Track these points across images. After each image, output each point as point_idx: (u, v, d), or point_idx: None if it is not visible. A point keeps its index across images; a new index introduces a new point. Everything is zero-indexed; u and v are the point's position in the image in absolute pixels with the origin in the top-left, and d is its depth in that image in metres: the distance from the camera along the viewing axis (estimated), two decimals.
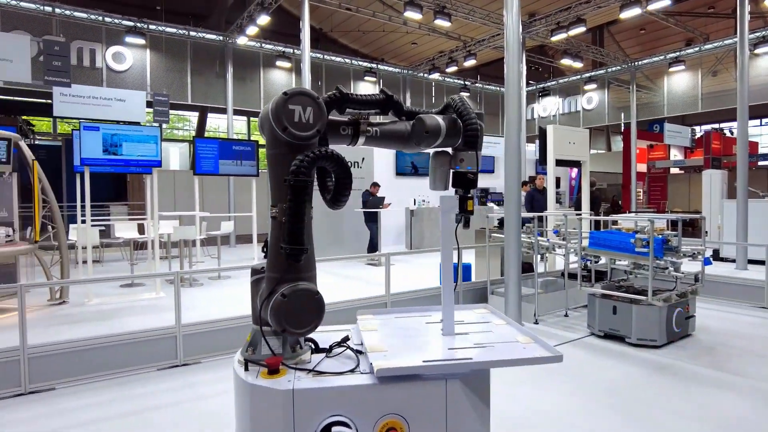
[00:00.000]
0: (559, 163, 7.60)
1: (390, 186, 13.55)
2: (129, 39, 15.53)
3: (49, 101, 10.60)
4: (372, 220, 10.79)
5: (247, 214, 10.21)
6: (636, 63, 20.91)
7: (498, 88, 25.53)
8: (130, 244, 8.72)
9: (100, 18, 15.57)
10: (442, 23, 16.03)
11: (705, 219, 7.27)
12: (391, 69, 22.74)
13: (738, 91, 9.88)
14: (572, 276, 6.17)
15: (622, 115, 22.16)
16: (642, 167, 21.01)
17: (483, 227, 7.21)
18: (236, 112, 18.40)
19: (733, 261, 9.51)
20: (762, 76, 17.56)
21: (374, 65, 21.84)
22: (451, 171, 1.72)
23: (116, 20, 15.78)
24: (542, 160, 7.75)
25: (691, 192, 21.41)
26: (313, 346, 1.64)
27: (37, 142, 15.32)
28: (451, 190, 1.86)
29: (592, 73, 23.02)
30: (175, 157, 19.77)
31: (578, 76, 23.78)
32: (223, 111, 17.98)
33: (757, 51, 16.38)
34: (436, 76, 22.76)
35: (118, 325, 5.47)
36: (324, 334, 1.79)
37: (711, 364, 4.37)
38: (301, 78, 10.85)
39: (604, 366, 4.36)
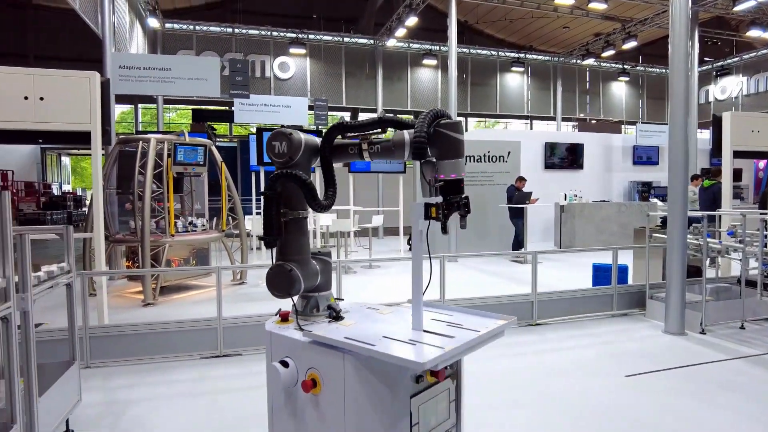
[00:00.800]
0: (740, 154, 6.69)
1: (538, 180, 13.11)
2: (292, 50, 17.19)
3: (228, 108, 12.37)
4: (517, 216, 10.56)
5: (394, 208, 10.75)
6: None
7: (663, 70, 22.88)
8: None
9: (269, 33, 17.47)
10: (596, 6, 14.92)
11: None
12: (540, 57, 21.80)
13: None
14: (751, 284, 5.43)
15: None
16: None
17: (642, 226, 6.68)
18: (385, 111, 19.26)
19: None
20: None
21: (522, 55, 21.13)
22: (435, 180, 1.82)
23: (281, 33, 17.56)
24: (716, 151, 6.89)
25: None
26: (331, 313, 1.98)
27: (217, 144, 17.86)
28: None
29: None
30: None
31: None
32: (374, 111, 18.93)
33: None
34: (590, 61, 21.19)
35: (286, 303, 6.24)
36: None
37: None
38: (447, 74, 11.04)
39: None
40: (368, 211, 12.33)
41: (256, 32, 17.73)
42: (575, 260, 9.69)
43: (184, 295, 7.04)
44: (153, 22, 16.04)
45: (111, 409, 3.47)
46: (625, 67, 22.63)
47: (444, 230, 1.86)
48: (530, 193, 10.32)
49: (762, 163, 15.78)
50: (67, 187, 24.89)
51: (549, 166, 14.14)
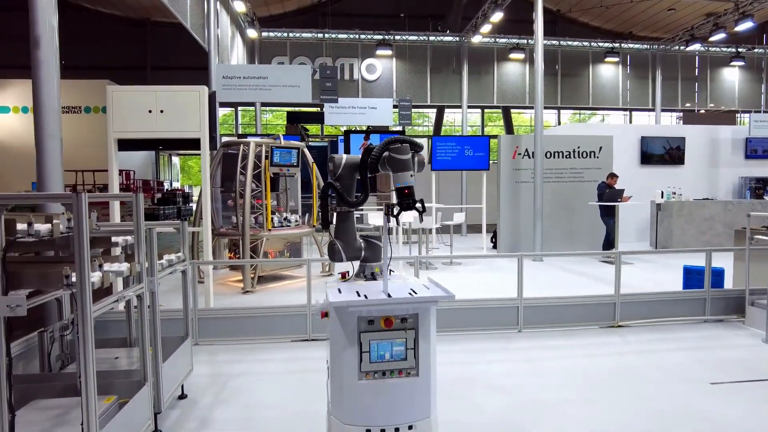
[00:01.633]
0: None
1: (634, 176, 12.46)
2: (379, 51, 17.66)
3: (319, 110, 13.09)
4: (608, 214, 10.14)
5: (477, 205, 10.79)
6: None
7: None
8: (380, 230, 10.23)
9: (356, 36, 18.09)
10: None
11: None
12: (637, 46, 20.49)
13: None
14: None
15: None
16: None
17: (744, 227, 6.21)
18: (470, 107, 19.17)
19: None
20: None
21: (617, 44, 19.98)
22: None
23: (369, 35, 18.11)
24: None
25: None
26: (368, 277, 2.72)
27: (309, 144, 18.84)
28: None
29: None
30: None
31: None
32: (458, 107, 18.92)
33: None
34: (696, 46, 19.52)
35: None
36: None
37: None
38: (534, 68, 10.84)
39: None
40: (451, 208, 12.45)
41: (344, 36, 18.46)
42: (669, 262, 9.15)
43: (278, 285, 7.69)
44: (251, 33, 17.30)
45: (216, 380, 4.01)
46: (740, 50, 20.56)
47: (397, 222, 2.48)
48: (622, 190, 9.86)
49: None
50: (176, 185, 27.45)
51: (645, 161, 13.34)
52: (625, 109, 21.74)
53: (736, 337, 5.03)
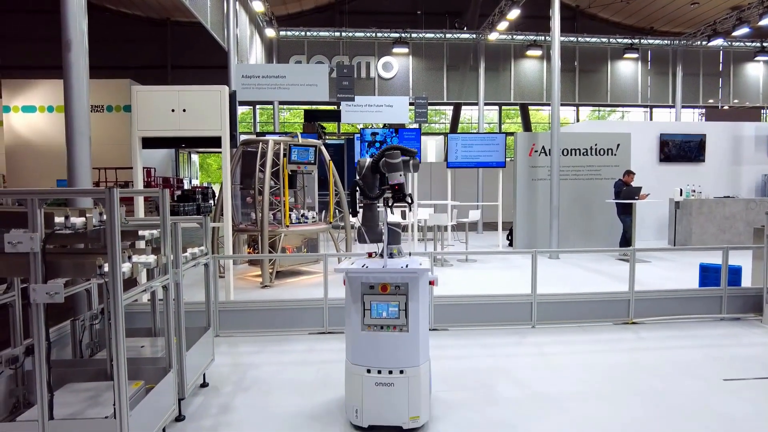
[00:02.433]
0: None
1: (652, 173, 12.34)
2: (395, 50, 17.72)
3: (336, 108, 13.20)
4: (625, 212, 10.07)
5: (493, 203, 10.81)
6: None
7: None
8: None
9: (373, 34, 18.17)
10: None
11: None
12: (657, 42, 20.20)
13: None
14: None
15: None
16: None
17: (763, 225, 6.15)
18: (487, 104, 19.12)
19: None
20: None
21: (636, 41, 19.73)
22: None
23: (385, 34, 18.18)
24: None
25: None
26: (383, 255, 3.26)
27: (326, 142, 19.01)
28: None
29: None
30: (432, 149, 21.68)
31: None
32: (475, 104, 18.89)
33: None
34: (719, 41, 19.17)
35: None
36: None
37: None
38: (551, 65, 10.80)
39: None
40: (466, 205, 12.49)
41: (361, 34, 18.56)
42: (687, 260, 9.06)
43: (296, 280, 7.84)
44: (269, 32, 17.51)
45: (236, 369, 4.16)
46: (765, 44, 20.12)
47: (391, 211, 3.22)
48: (640, 188, 9.79)
49: None
50: (195, 182, 27.89)
51: (665, 159, 13.18)
52: (645, 106, 21.45)
53: (752, 335, 5.01)
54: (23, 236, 2.24)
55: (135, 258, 2.72)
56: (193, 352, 3.51)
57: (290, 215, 7.72)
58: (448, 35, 18.93)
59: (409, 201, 3.14)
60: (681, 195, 11.65)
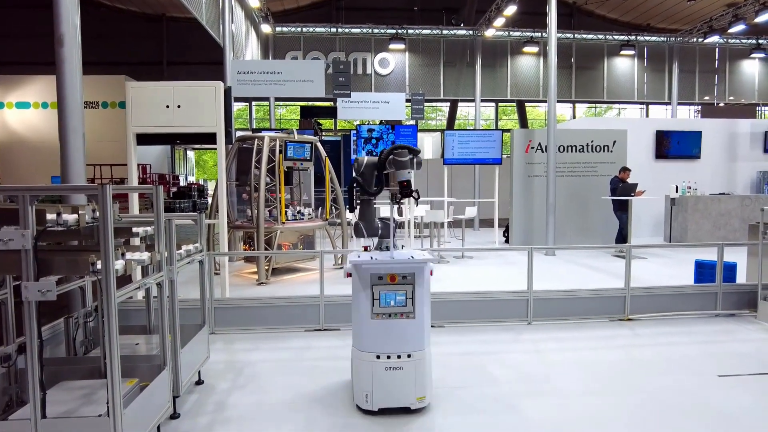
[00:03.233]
0: None
1: (649, 170, 12.34)
2: (392, 46, 17.67)
3: (333, 104, 13.17)
4: (621, 209, 10.09)
5: (490, 200, 10.81)
6: None
7: None
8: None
9: (369, 30, 18.11)
10: None
11: None
12: (653, 39, 20.21)
13: None
14: None
15: None
16: None
17: (758, 221, 6.17)
18: (483, 100, 19.10)
19: None
20: None
21: (632, 37, 19.74)
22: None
23: (382, 30, 18.12)
24: None
25: None
26: (383, 249, 3.51)
27: (323, 138, 18.96)
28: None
29: None
30: (429, 146, 21.68)
31: None
32: (472, 101, 18.87)
33: None
34: (715, 38, 19.19)
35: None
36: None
37: None
38: (547, 62, 10.78)
39: None
40: (463, 202, 12.49)
41: (357, 30, 18.50)
42: (683, 257, 9.10)
43: (292, 276, 7.82)
44: (265, 28, 17.43)
45: (232, 366, 4.14)
46: (761, 42, 20.17)
47: (399, 206, 3.51)
48: (635, 184, 9.80)
49: None
50: (191, 179, 27.80)
51: (661, 155, 13.19)
52: (641, 103, 21.49)
53: (747, 332, 5.03)
54: (14, 233, 2.21)
55: (129, 255, 2.70)
56: (188, 349, 3.50)
57: (286, 212, 7.70)
58: (445, 31, 18.89)
59: (416, 197, 3.34)
60: (677, 192, 11.69)
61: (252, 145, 7.70)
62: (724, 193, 12.30)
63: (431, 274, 3.35)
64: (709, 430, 3.10)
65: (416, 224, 10.26)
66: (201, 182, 26.91)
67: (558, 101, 10.91)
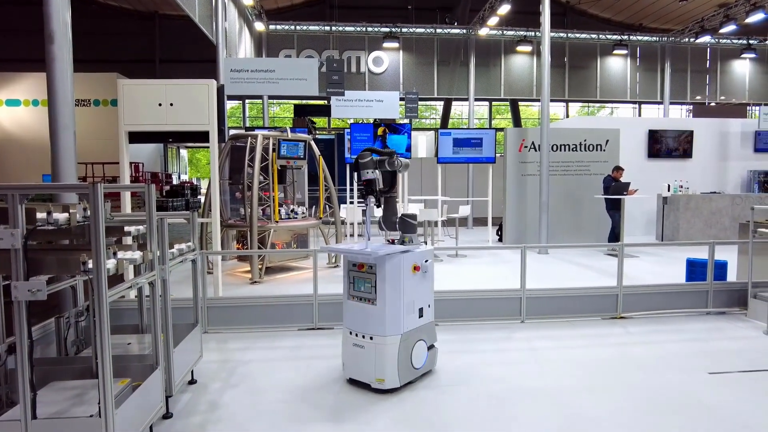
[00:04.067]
0: None
1: (641, 169, 12.40)
2: (386, 44, 17.66)
3: (326, 102, 13.14)
4: (614, 207, 10.14)
5: (483, 198, 10.83)
6: None
7: None
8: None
9: (363, 28, 18.09)
10: None
11: None
12: (646, 38, 20.33)
13: None
14: None
15: None
16: None
17: (748, 220, 6.22)
18: (477, 99, 19.13)
19: None
20: None
21: (625, 37, 19.85)
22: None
23: (376, 28, 18.10)
24: None
25: None
26: (401, 242, 3.82)
27: (316, 137, 18.91)
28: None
29: None
30: (423, 144, 21.67)
31: None
32: (465, 100, 18.90)
33: None
34: (706, 38, 19.32)
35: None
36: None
37: None
38: (541, 61, 10.82)
39: None
40: (456, 201, 12.51)
41: (351, 29, 18.47)
42: (675, 255, 9.16)
43: (285, 275, 7.80)
44: (259, 26, 17.36)
45: (225, 366, 4.13)
46: (751, 42, 20.34)
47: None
48: (628, 183, 9.86)
49: None
50: (184, 177, 27.64)
51: (653, 155, 13.28)
52: (633, 102, 21.61)
53: (738, 329, 5.08)
54: (4, 232, 2.19)
55: (121, 254, 2.68)
56: (181, 348, 3.48)
57: (280, 211, 7.68)
58: (439, 30, 18.89)
59: (376, 197, 3.76)
60: (669, 190, 11.78)
61: (245, 143, 7.67)
62: (715, 192, 12.41)
63: (418, 269, 3.62)
64: (699, 426, 3.13)
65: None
66: (194, 181, 26.78)
67: (551, 100, 10.96)
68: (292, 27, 18.66)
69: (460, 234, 11.13)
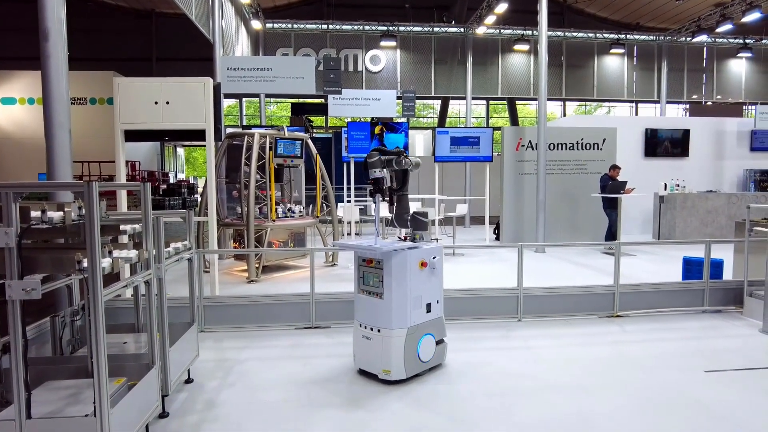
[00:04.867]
0: None
1: (638, 168, 12.43)
2: (383, 43, 17.63)
3: (323, 101, 13.13)
4: (611, 206, 10.16)
5: (480, 197, 10.83)
6: None
7: None
8: (381, 220, 10.29)
9: (361, 27, 18.05)
10: None
11: None
12: (643, 37, 20.36)
13: None
14: None
15: None
16: None
17: (744, 219, 6.24)
18: (475, 98, 19.12)
19: None
20: None
21: (622, 36, 19.87)
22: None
23: (373, 27, 18.07)
24: None
25: None
26: (410, 239, 3.97)
27: (314, 135, 18.86)
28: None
29: None
30: (420, 143, 21.66)
31: None
32: (463, 98, 18.89)
33: None
34: (703, 38, 19.36)
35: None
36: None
37: None
38: (538, 60, 10.83)
39: None
40: (454, 199, 12.50)
41: (348, 27, 18.44)
42: (672, 253, 9.18)
43: (282, 274, 7.79)
44: (255, 24, 17.31)
45: (222, 365, 4.12)
46: (747, 41, 20.38)
47: (373, 200, 3.90)
48: (625, 182, 9.89)
49: None
50: (181, 176, 27.56)
51: (650, 153, 13.30)
52: (630, 101, 21.64)
53: (734, 328, 5.09)
54: None
55: (116, 253, 2.67)
56: (177, 347, 3.47)
57: (277, 209, 7.66)
58: (436, 29, 18.88)
59: (383, 194, 3.85)
60: (665, 189, 11.80)
61: (242, 141, 7.65)
62: (711, 191, 12.45)
63: (425, 265, 3.74)
64: (696, 424, 3.13)
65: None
66: (191, 179, 26.70)
67: (548, 99, 10.96)
68: (289, 25, 18.62)
69: (457, 233, 11.13)
